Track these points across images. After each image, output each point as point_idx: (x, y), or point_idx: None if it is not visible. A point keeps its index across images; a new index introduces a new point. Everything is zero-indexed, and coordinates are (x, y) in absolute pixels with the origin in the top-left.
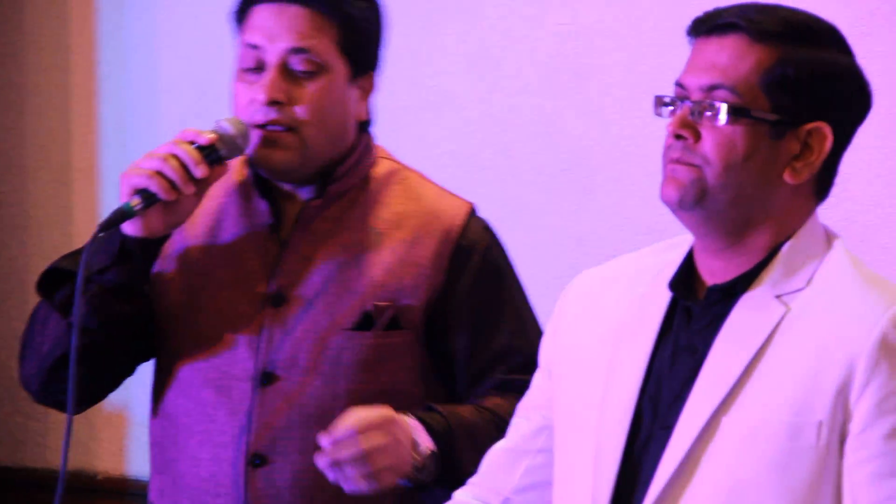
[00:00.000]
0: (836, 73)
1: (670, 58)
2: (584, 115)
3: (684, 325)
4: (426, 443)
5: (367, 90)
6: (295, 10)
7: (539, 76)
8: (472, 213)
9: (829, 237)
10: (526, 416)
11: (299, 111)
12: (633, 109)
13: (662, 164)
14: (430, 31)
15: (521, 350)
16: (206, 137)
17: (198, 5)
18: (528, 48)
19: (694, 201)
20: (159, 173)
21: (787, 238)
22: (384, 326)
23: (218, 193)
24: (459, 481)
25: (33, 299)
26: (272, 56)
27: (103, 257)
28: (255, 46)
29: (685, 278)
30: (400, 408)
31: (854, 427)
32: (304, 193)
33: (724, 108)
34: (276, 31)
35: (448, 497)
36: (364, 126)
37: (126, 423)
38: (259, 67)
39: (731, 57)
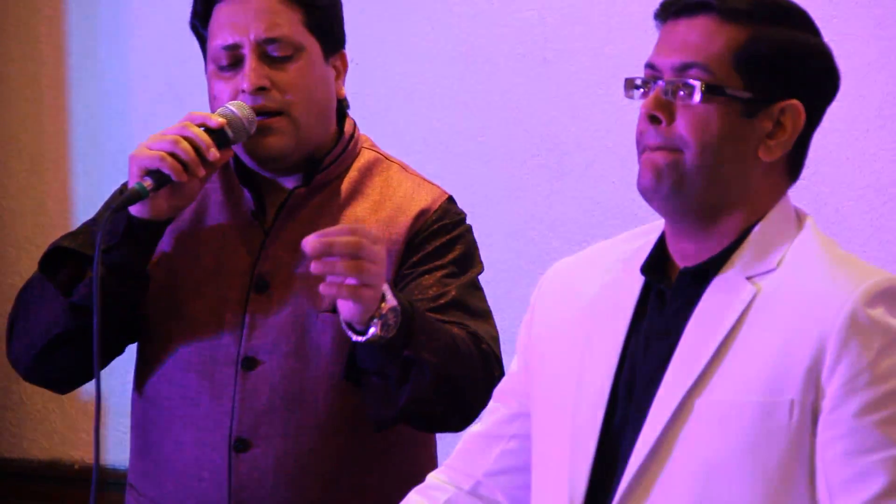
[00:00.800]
0: (807, 52)
1: (638, 43)
2: (554, 101)
3: (657, 309)
4: (391, 299)
5: (340, 69)
6: (253, 2)
7: (508, 63)
8: (448, 200)
9: (799, 217)
10: (501, 401)
11: (286, 93)
12: (602, 94)
13: (637, 151)
14: (401, 20)
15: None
16: (216, 121)
17: None
18: (496, 35)
19: (671, 187)
20: (172, 155)
21: (759, 220)
22: None
23: None
24: (411, 366)
25: (7, 288)
26: (247, 47)
27: (109, 238)
28: (227, 46)
29: (657, 263)
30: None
31: (825, 405)
32: (287, 182)
33: (698, 86)
34: (244, 24)
35: (390, 376)
36: (342, 110)
37: (103, 413)
38: (236, 62)
39: (702, 36)
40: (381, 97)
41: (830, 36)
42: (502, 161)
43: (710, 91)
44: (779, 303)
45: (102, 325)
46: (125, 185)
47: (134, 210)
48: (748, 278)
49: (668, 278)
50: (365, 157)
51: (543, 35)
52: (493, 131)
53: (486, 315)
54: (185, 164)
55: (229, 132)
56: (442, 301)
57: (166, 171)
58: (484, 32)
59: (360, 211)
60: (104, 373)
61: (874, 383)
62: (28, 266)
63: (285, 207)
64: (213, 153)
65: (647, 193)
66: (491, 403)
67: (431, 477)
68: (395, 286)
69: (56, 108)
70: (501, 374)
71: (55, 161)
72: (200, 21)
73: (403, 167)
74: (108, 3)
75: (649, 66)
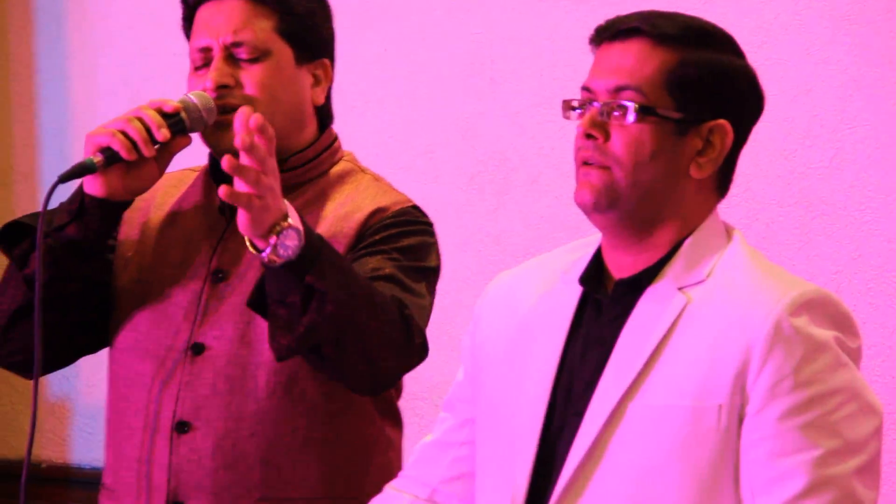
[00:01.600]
0: (734, 74)
1: (581, 66)
2: (500, 119)
3: (594, 318)
4: (294, 220)
5: (320, 77)
6: (231, 4)
7: (457, 82)
8: (413, 206)
9: (728, 231)
10: (450, 411)
11: (247, 90)
12: (546, 114)
13: (575, 166)
14: (354, 37)
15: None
16: (171, 105)
17: (134, 15)
18: (446, 55)
19: (608, 203)
20: (122, 132)
21: (690, 233)
22: None
23: (188, 182)
24: (312, 296)
25: None
26: (216, 49)
27: (64, 215)
28: (201, 48)
29: (595, 274)
30: (314, 378)
31: (750, 409)
32: None
33: (632, 107)
34: (216, 27)
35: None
36: (325, 120)
37: (69, 414)
38: (208, 63)
39: (635, 59)
40: (336, 112)
41: (762, 60)
42: (450, 176)
43: (643, 112)
44: (708, 312)
45: (61, 305)
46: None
47: (87, 188)
48: (679, 289)
49: (604, 289)
50: (340, 167)
51: (490, 56)
52: (441, 147)
53: (420, 294)
54: (133, 143)
55: (185, 118)
56: (375, 273)
57: (116, 147)
58: (434, 52)
59: (324, 212)
60: (71, 372)
61: (796, 389)
62: None
63: None
64: (163, 133)
65: (585, 208)
66: (441, 413)
67: (388, 487)
68: None
69: (26, 123)
70: (423, 346)
71: (24, 174)
72: (186, 24)
73: (376, 178)
74: (76, 21)
75: (585, 88)
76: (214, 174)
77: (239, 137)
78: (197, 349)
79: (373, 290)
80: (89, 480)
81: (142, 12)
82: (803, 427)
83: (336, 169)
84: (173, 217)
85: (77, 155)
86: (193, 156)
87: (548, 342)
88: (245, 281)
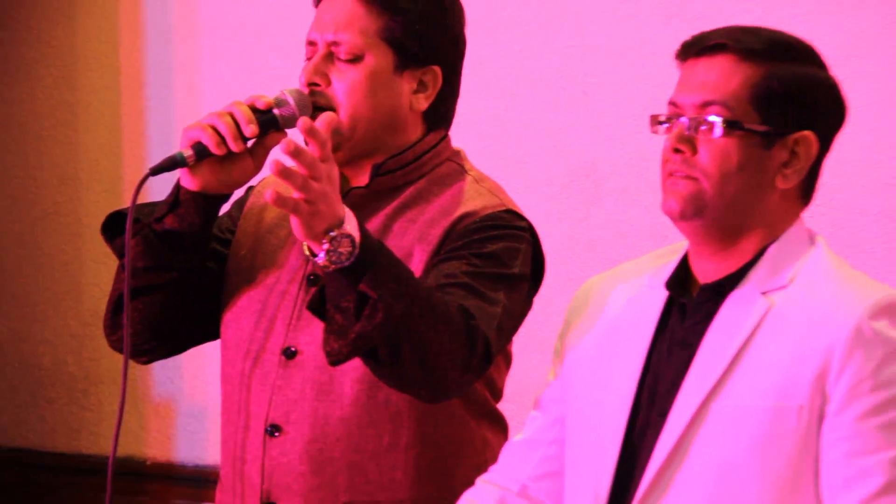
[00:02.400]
0: (817, 85)
1: (669, 79)
2: (591, 130)
3: (679, 322)
4: (349, 227)
5: (427, 83)
6: (342, 1)
7: (549, 94)
8: (506, 210)
9: (811, 237)
10: (541, 409)
11: (335, 93)
12: (636, 125)
13: (661, 178)
14: None
15: (460, 281)
16: (264, 101)
17: (238, 30)
18: (539, 68)
19: (694, 212)
20: (212, 127)
21: (774, 240)
22: None
23: None
24: (366, 303)
25: (87, 299)
26: (320, 44)
27: (163, 206)
28: (309, 41)
29: (680, 279)
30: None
31: (830, 409)
32: (361, 179)
33: (718, 122)
34: (324, 22)
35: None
36: (433, 124)
37: (173, 413)
38: (312, 57)
39: (721, 75)
40: None
41: (848, 73)
42: (544, 186)
43: (730, 126)
44: (790, 316)
45: (156, 289)
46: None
47: (182, 180)
48: (763, 293)
49: (689, 293)
50: (443, 169)
51: (583, 69)
52: (534, 158)
53: (493, 302)
54: (222, 137)
55: (277, 114)
56: (447, 280)
57: (205, 141)
58: (528, 66)
59: (417, 215)
60: (175, 374)
61: (876, 390)
62: (107, 279)
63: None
64: (252, 129)
65: (672, 215)
66: (532, 413)
67: (480, 480)
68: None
69: (134, 133)
70: (487, 354)
71: (133, 182)
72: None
73: (478, 179)
74: (182, 37)
75: (672, 103)
76: None
77: (283, 142)
78: (289, 354)
79: (433, 299)
80: (192, 478)
81: (246, 28)
82: (882, 427)
83: (439, 171)
84: (283, 216)
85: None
86: None
87: (634, 344)
88: None
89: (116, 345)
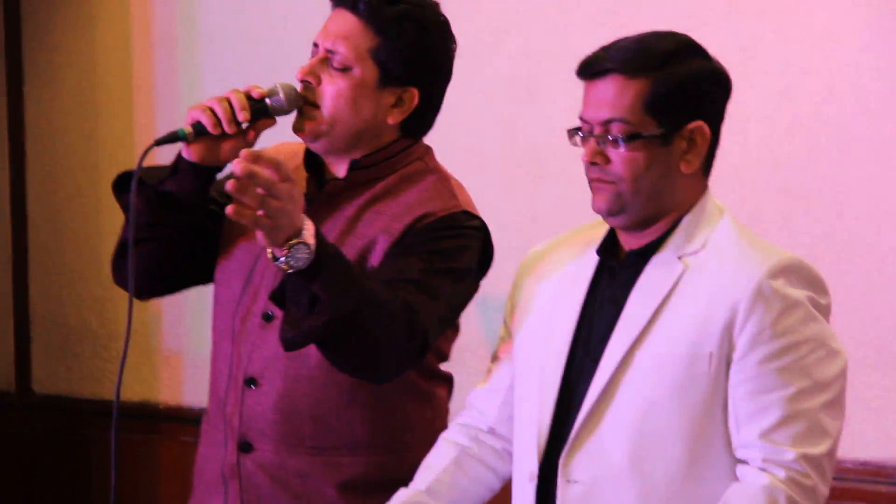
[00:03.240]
0: (697, 77)
1: None
2: (535, 122)
3: (608, 282)
4: (307, 236)
5: (403, 100)
6: (346, 17)
7: (499, 91)
8: (462, 211)
9: (720, 210)
10: (496, 362)
11: (323, 93)
12: (572, 116)
13: (588, 181)
14: None
15: (410, 277)
16: (257, 92)
17: (236, 37)
18: (490, 69)
19: (618, 210)
20: (211, 110)
21: (687, 211)
22: None
23: (298, 158)
24: (317, 300)
25: (106, 268)
26: (321, 49)
27: (165, 171)
28: (315, 43)
29: (609, 246)
30: None
31: (736, 355)
32: (340, 172)
33: (620, 137)
34: (328, 30)
35: (300, 309)
36: (408, 132)
37: (182, 364)
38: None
39: (615, 94)
40: None
41: (752, 70)
42: (496, 168)
43: (631, 138)
44: (702, 276)
45: (156, 241)
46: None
47: (184, 152)
48: (679, 258)
49: (617, 258)
50: (412, 168)
51: (527, 70)
52: (488, 145)
53: (438, 297)
54: (218, 119)
55: (269, 103)
56: (398, 276)
57: (204, 122)
58: (479, 68)
59: (384, 209)
60: (181, 330)
61: (774, 338)
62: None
63: (323, 194)
64: (244, 115)
65: (601, 214)
66: (490, 365)
67: (454, 424)
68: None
69: (146, 127)
70: (424, 346)
71: None
72: None
73: (441, 179)
74: (185, 44)
75: (582, 119)
76: (307, 158)
77: (238, 166)
78: (267, 318)
79: (378, 298)
80: (199, 419)
81: (243, 35)
82: (779, 370)
83: (408, 169)
84: None
85: None
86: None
87: (570, 302)
88: None
89: (121, 283)
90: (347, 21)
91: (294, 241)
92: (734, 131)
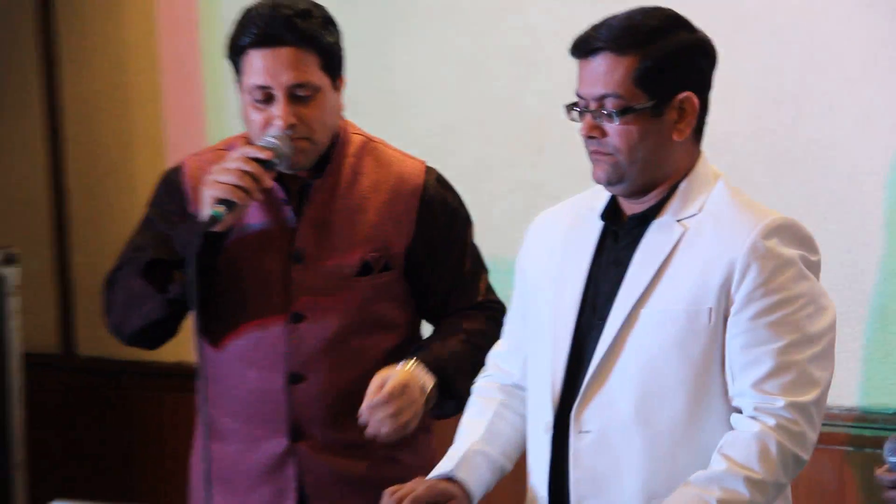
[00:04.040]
0: (684, 49)
1: None
2: (537, 94)
3: (613, 245)
4: (429, 382)
5: (340, 87)
6: (286, 51)
7: (503, 66)
8: (426, 170)
9: (714, 174)
10: (510, 322)
11: (310, 126)
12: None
13: (588, 153)
14: (421, 34)
15: (479, 274)
16: (265, 154)
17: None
18: (494, 46)
19: (617, 180)
20: (238, 187)
21: (683, 177)
22: (379, 270)
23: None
24: (455, 393)
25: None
26: (279, 90)
27: (195, 249)
28: (262, 87)
29: (612, 211)
30: (388, 330)
31: (732, 311)
32: (303, 173)
33: (614, 112)
34: (276, 71)
35: (448, 405)
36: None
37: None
38: (268, 99)
39: (606, 71)
40: (409, 94)
41: (740, 43)
42: (500, 139)
43: (624, 112)
44: (701, 238)
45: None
46: (205, 218)
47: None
48: (678, 221)
49: (620, 222)
50: (355, 142)
51: (529, 45)
52: (493, 118)
53: (484, 273)
54: (248, 192)
55: (276, 161)
56: (461, 272)
57: (236, 200)
58: (485, 45)
59: (363, 190)
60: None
61: (767, 295)
62: None
63: (308, 194)
64: (267, 182)
65: (601, 183)
66: (506, 326)
67: (481, 382)
68: (414, 250)
69: (173, 107)
70: (504, 313)
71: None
72: (234, 56)
73: (384, 144)
74: (207, 28)
75: (578, 95)
76: (280, 180)
77: (372, 433)
78: (296, 318)
79: (478, 357)
80: None
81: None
82: (771, 324)
83: (353, 145)
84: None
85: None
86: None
87: (577, 264)
88: (323, 260)
89: (132, 344)
90: (289, 54)
91: (430, 401)
92: (724, 101)
